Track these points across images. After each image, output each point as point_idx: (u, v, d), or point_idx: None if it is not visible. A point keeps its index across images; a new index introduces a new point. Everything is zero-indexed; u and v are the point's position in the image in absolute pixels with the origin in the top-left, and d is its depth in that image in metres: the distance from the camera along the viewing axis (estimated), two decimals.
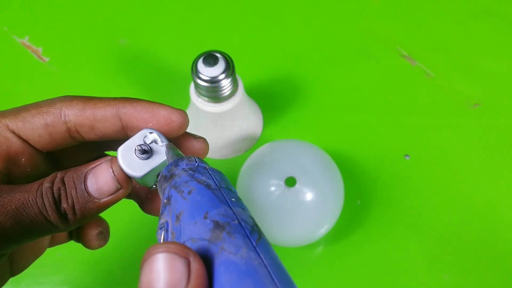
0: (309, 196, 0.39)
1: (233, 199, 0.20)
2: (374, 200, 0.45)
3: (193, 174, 0.21)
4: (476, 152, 0.47)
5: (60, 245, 0.31)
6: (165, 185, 0.21)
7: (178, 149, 0.24)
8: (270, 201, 0.39)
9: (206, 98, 0.42)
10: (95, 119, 0.25)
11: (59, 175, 0.24)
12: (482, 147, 0.47)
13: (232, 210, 0.19)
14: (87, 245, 0.28)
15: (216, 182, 0.20)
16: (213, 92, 0.40)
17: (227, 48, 0.44)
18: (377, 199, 0.45)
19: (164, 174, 0.22)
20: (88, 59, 0.53)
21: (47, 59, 0.53)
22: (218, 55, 0.39)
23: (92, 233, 0.28)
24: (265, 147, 0.42)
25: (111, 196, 0.24)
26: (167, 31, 0.55)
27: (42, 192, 0.23)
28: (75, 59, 0.53)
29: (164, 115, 0.26)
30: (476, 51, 0.52)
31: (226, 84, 0.40)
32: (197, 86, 0.41)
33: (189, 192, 0.20)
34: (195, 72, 0.39)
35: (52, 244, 0.30)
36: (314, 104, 0.50)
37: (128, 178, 0.24)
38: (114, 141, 0.27)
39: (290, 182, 0.39)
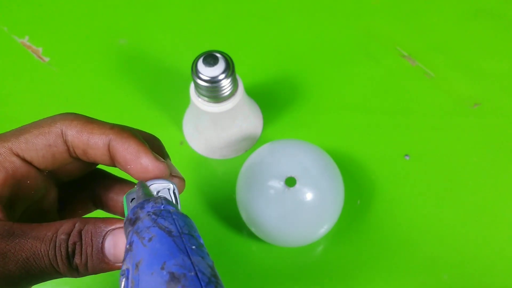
0: (309, 196, 0.39)
1: (193, 247, 0.19)
2: (374, 200, 0.45)
3: (156, 219, 0.20)
4: (476, 152, 0.47)
5: None
6: (129, 229, 0.21)
7: (148, 188, 0.24)
8: (270, 201, 0.39)
9: (206, 98, 0.42)
10: (88, 145, 0.25)
11: (77, 226, 0.23)
12: (482, 147, 0.47)
13: (191, 259, 0.19)
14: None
15: (178, 228, 0.20)
16: (213, 92, 0.40)
17: (227, 48, 0.44)
18: (377, 199, 0.45)
19: (129, 216, 0.21)
20: (88, 59, 0.53)
21: (47, 59, 0.53)
22: (218, 55, 0.39)
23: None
24: (265, 147, 0.42)
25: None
26: (167, 31, 0.55)
27: (55, 244, 0.23)
28: (75, 59, 0.53)
29: (142, 163, 0.25)
30: (476, 51, 0.52)
31: (226, 84, 0.40)
32: (197, 86, 0.41)
33: (150, 239, 0.20)
34: (195, 72, 0.39)
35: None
36: (314, 104, 0.50)
37: None
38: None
39: (290, 182, 0.39)
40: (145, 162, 0.25)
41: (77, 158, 0.26)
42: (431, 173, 0.46)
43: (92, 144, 0.25)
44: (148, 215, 0.21)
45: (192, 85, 0.43)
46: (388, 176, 0.46)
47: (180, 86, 0.49)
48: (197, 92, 0.42)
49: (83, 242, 0.23)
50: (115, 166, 0.26)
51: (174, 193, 0.24)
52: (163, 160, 0.26)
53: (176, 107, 0.49)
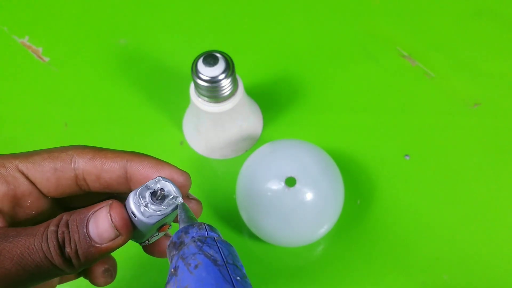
0: (309, 196, 0.39)
1: (238, 278, 0.20)
2: (374, 200, 0.45)
3: (202, 247, 0.21)
4: (476, 152, 0.47)
5: None
6: (174, 252, 0.21)
7: (190, 211, 0.24)
8: (270, 201, 0.39)
9: (206, 98, 0.42)
10: (103, 169, 0.26)
11: (64, 217, 0.24)
12: (482, 147, 0.47)
13: None
14: (93, 282, 0.28)
15: (224, 257, 0.20)
16: (213, 92, 0.40)
17: (227, 48, 0.44)
18: (377, 199, 0.45)
19: (173, 240, 0.22)
20: (88, 59, 0.53)
21: (47, 59, 0.53)
22: (218, 55, 0.39)
23: (99, 270, 0.28)
24: (265, 147, 0.42)
25: (111, 242, 0.24)
26: (167, 31, 0.55)
27: (47, 236, 0.23)
28: (75, 59, 0.53)
29: (166, 175, 0.26)
30: (476, 51, 0.52)
31: (226, 84, 0.40)
32: (197, 86, 0.41)
33: (196, 266, 0.20)
34: (195, 72, 0.39)
35: (61, 281, 0.30)
36: (314, 104, 0.50)
37: (128, 224, 0.24)
38: (118, 193, 0.28)
39: (290, 182, 0.39)
40: (167, 173, 0.26)
41: (84, 189, 0.26)
42: (431, 173, 0.46)
43: (107, 167, 0.26)
44: (194, 241, 0.21)
45: (192, 85, 0.43)
46: (388, 176, 0.46)
47: (180, 86, 0.49)
48: (197, 92, 0.42)
49: (70, 230, 0.23)
50: (126, 191, 0.26)
51: (179, 207, 0.24)
52: (185, 171, 0.26)
53: (176, 107, 0.49)
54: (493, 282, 0.42)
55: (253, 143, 0.48)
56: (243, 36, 0.54)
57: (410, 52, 0.52)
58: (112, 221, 0.23)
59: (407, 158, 0.47)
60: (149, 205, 0.23)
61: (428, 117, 0.49)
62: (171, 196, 0.24)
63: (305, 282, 0.43)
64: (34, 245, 0.23)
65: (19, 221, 0.26)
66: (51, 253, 0.23)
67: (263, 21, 0.55)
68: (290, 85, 0.51)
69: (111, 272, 0.28)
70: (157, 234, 0.26)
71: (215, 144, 0.46)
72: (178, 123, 0.49)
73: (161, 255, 0.28)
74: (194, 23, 0.55)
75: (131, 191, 0.25)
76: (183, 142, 0.48)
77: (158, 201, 0.24)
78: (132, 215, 0.24)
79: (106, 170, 0.26)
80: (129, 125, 0.49)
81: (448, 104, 0.49)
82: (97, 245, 0.23)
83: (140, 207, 0.23)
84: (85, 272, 0.28)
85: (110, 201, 0.24)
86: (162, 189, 0.23)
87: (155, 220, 0.23)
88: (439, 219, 0.44)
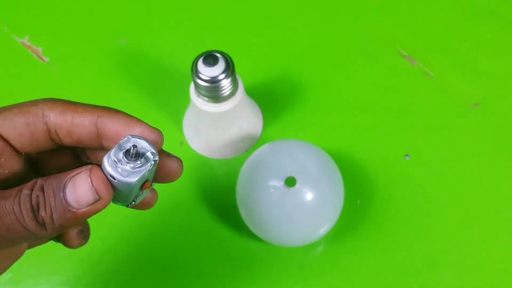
0: (309, 196, 0.39)
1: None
2: (374, 200, 0.45)
3: None
4: (476, 152, 0.47)
5: (60, 245, 0.31)
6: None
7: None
8: (270, 201, 0.39)
9: (206, 98, 0.42)
10: (73, 124, 0.25)
11: (39, 182, 0.23)
12: (482, 147, 0.47)
13: None
14: (67, 244, 0.28)
15: None
16: (213, 92, 0.40)
17: (227, 48, 0.44)
18: (377, 199, 0.45)
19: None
20: (88, 59, 0.53)
21: (47, 59, 0.53)
22: (218, 55, 0.39)
23: (72, 232, 0.27)
24: (265, 147, 0.42)
25: (89, 207, 0.23)
26: (167, 31, 0.55)
27: (20, 199, 0.23)
28: (75, 59, 0.53)
29: (138, 132, 0.25)
30: (476, 51, 0.52)
31: (226, 84, 0.40)
32: (197, 86, 0.41)
33: None
34: (195, 72, 0.39)
35: (31, 246, 0.29)
36: (314, 104, 0.50)
37: (109, 188, 0.23)
38: (90, 149, 0.28)
39: (290, 182, 0.39)
40: (139, 130, 0.25)
41: (58, 143, 0.26)
42: (431, 173, 0.46)
43: (78, 122, 0.25)
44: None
45: (192, 85, 0.43)
46: (388, 176, 0.46)
47: (180, 86, 0.49)
48: (197, 92, 0.42)
49: (46, 194, 0.23)
50: (102, 147, 0.26)
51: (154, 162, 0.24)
52: (157, 128, 0.26)
53: (176, 107, 0.49)
54: (493, 282, 0.42)
55: (253, 143, 0.48)
56: (243, 36, 0.54)
57: (410, 52, 0.52)
58: (92, 184, 0.23)
59: (407, 158, 0.47)
60: (124, 163, 0.23)
61: (428, 117, 0.49)
62: (147, 152, 0.23)
63: (305, 282, 0.43)
64: (6, 207, 0.22)
65: None
66: (23, 216, 0.22)
67: (263, 21, 0.55)
68: (290, 85, 0.51)
69: (85, 233, 0.28)
70: (141, 193, 0.25)
71: (215, 144, 0.46)
72: (178, 123, 0.49)
73: (145, 206, 0.28)
74: (194, 23, 0.55)
75: (103, 147, 0.25)
76: (183, 142, 0.48)
77: (133, 159, 0.23)
78: (111, 178, 0.23)
79: (77, 125, 0.25)
80: None
81: (448, 104, 0.49)
82: (74, 210, 0.23)
83: (117, 168, 0.23)
84: (58, 236, 0.28)
85: (89, 166, 0.23)
86: (134, 146, 0.23)
87: (135, 178, 0.23)
88: (439, 219, 0.44)
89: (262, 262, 0.44)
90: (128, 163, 0.23)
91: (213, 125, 0.44)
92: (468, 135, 0.48)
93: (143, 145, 0.23)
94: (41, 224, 0.23)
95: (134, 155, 0.23)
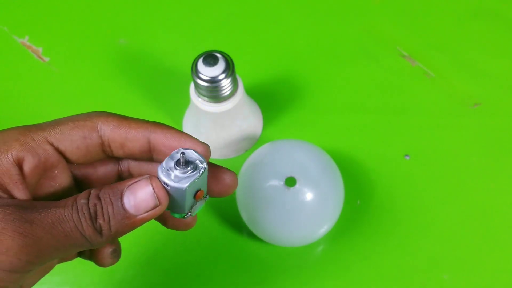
0: (309, 196, 0.39)
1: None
2: (374, 200, 0.45)
3: None
4: (476, 152, 0.47)
5: None
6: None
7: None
8: (270, 201, 0.39)
9: (206, 98, 0.42)
10: (127, 138, 0.26)
11: (93, 191, 0.24)
12: (482, 147, 0.47)
13: None
14: (100, 263, 0.29)
15: None
16: (213, 92, 0.40)
17: (227, 48, 0.44)
18: (377, 199, 0.45)
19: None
20: (88, 59, 0.53)
21: (47, 59, 0.53)
22: (218, 55, 0.39)
23: (107, 251, 0.28)
24: (265, 147, 0.42)
25: (148, 213, 0.24)
26: (167, 31, 0.55)
27: (77, 207, 0.24)
28: (75, 59, 0.53)
29: (188, 146, 0.27)
30: (476, 51, 0.52)
31: (226, 84, 0.40)
32: (197, 86, 0.41)
33: None
34: (195, 72, 0.39)
35: (60, 261, 0.30)
36: (314, 104, 0.50)
37: (166, 195, 0.25)
38: (136, 162, 0.29)
39: (290, 182, 0.39)
40: (189, 144, 0.27)
41: (109, 155, 0.27)
42: (431, 173, 0.46)
43: (131, 137, 0.26)
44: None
45: (192, 85, 0.43)
46: (388, 176, 0.46)
47: (180, 86, 0.49)
48: (197, 92, 0.42)
49: (103, 202, 0.24)
50: (150, 160, 0.28)
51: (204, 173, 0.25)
52: (205, 143, 0.27)
53: (176, 107, 0.49)
54: (493, 282, 0.42)
55: (253, 143, 0.48)
56: (243, 36, 0.54)
57: (410, 52, 0.52)
58: (154, 190, 0.24)
59: (407, 158, 0.47)
60: (175, 171, 0.25)
61: (428, 117, 0.49)
62: (196, 160, 0.25)
63: (305, 282, 0.43)
64: (65, 215, 0.23)
65: (40, 196, 0.26)
66: (81, 223, 0.24)
67: (263, 21, 0.55)
68: (290, 85, 0.51)
69: (117, 252, 0.29)
70: (196, 203, 0.27)
71: (215, 144, 0.46)
72: (178, 123, 0.49)
73: (186, 226, 0.29)
74: (194, 23, 0.55)
75: (153, 159, 0.27)
76: None
77: (183, 167, 0.25)
78: (165, 185, 0.25)
79: (130, 140, 0.26)
80: None
81: (448, 104, 0.49)
82: (132, 216, 0.24)
83: (169, 175, 0.25)
84: (91, 254, 0.29)
85: (147, 175, 0.25)
86: (183, 153, 0.25)
87: (186, 183, 0.24)
88: (439, 219, 0.44)
89: (262, 262, 0.44)
90: (179, 170, 0.25)
91: (213, 125, 0.44)
92: (468, 135, 0.48)
93: (192, 155, 0.25)
94: (98, 231, 0.24)
95: (184, 163, 0.25)
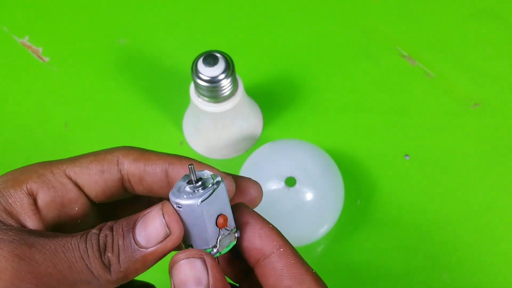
0: (309, 196, 0.39)
1: None
2: (374, 200, 0.45)
3: None
4: (476, 152, 0.47)
5: None
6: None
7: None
8: (270, 201, 0.39)
9: (206, 98, 0.42)
10: (145, 171, 0.25)
11: (109, 223, 0.23)
12: (482, 147, 0.47)
13: None
14: None
15: None
16: (213, 92, 0.40)
17: (227, 48, 0.44)
18: (377, 199, 0.45)
19: None
20: (88, 59, 0.53)
21: (47, 59, 0.53)
22: (218, 55, 0.39)
23: None
24: (265, 147, 0.42)
25: (159, 245, 0.22)
26: (167, 31, 0.55)
27: (86, 237, 0.22)
28: (75, 59, 0.53)
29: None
30: (476, 51, 0.52)
31: (226, 84, 0.40)
32: (197, 86, 0.41)
33: None
34: (195, 72, 0.39)
35: None
36: (314, 104, 0.50)
37: (179, 222, 0.22)
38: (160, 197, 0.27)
39: (290, 182, 0.39)
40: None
41: (130, 192, 0.25)
42: (431, 173, 0.46)
43: (149, 170, 0.25)
44: None
45: (192, 85, 0.43)
46: (388, 176, 0.46)
47: (180, 86, 0.49)
48: (197, 92, 0.42)
49: (114, 233, 0.22)
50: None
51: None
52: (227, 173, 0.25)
53: (176, 107, 0.49)
54: (493, 282, 0.42)
55: (253, 143, 0.48)
56: (243, 36, 0.54)
57: (410, 52, 0.52)
58: (163, 217, 0.22)
59: (407, 158, 0.47)
60: (187, 187, 0.22)
61: (428, 117, 0.49)
62: (210, 175, 0.23)
63: None
64: (71, 243, 0.21)
65: (62, 228, 0.25)
66: (88, 254, 0.21)
67: (263, 21, 0.55)
68: (290, 85, 0.51)
69: None
70: (220, 233, 0.23)
71: (215, 144, 0.46)
72: (178, 123, 0.49)
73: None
74: (194, 23, 0.55)
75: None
76: (183, 142, 0.48)
77: (195, 184, 0.22)
78: (178, 207, 0.22)
79: (148, 173, 0.25)
80: (129, 125, 0.49)
81: (448, 104, 0.49)
82: (142, 249, 0.22)
83: (180, 194, 0.22)
84: None
85: (161, 202, 0.23)
86: (191, 164, 0.22)
87: (199, 199, 0.22)
88: (439, 219, 0.44)
89: None
90: (190, 186, 0.22)
91: (213, 125, 0.44)
92: (468, 135, 0.48)
93: (206, 174, 0.23)
94: (106, 266, 0.21)
95: (196, 180, 0.22)
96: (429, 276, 0.42)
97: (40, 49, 0.54)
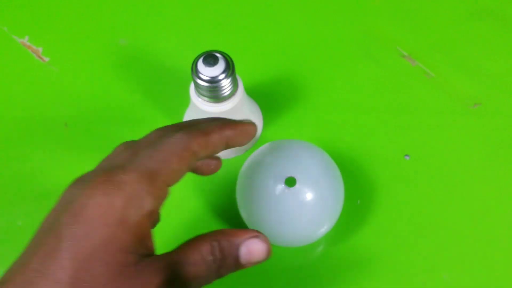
0: (309, 196, 0.39)
1: None
2: (374, 200, 0.45)
3: None
4: (476, 152, 0.47)
5: None
6: None
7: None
8: (270, 201, 0.39)
9: (206, 98, 0.42)
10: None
11: (216, 246, 0.27)
12: (482, 147, 0.47)
13: None
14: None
15: None
16: (213, 92, 0.40)
17: (227, 48, 0.44)
18: (377, 199, 0.45)
19: None
20: (88, 59, 0.53)
21: (47, 59, 0.53)
22: (218, 55, 0.39)
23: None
24: (265, 147, 0.42)
25: (252, 263, 0.28)
26: (167, 31, 0.55)
27: (206, 266, 0.27)
28: (75, 59, 0.53)
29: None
30: (476, 51, 0.52)
31: (226, 84, 0.40)
32: (197, 86, 0.41)
33: None
34: (195, 72, 0.39)
35: None
36: (314, 104, 0.50)
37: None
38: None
39: (290, 182, 0.39)
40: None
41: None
42: (431, 173, 0.46)
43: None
44: None
45: (192, 85, 0.43)
46: (388, 176, 0.46)
47: (180, 86, 0.49)
48: (197, 92, 0.42)
49: (226, 256, 0.27)
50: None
51: None
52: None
53: (176, 107, 0.49)
54: (493, 282, 0.42)
55: (253, 143, 0.48)
56: (243, 36, 0.54)
57: (410, 52, 0.52)
58: (267, 249, 0.28)
59: (407, 158, 0.47)
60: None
61: (428, 117, 0.49)
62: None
63: (305, 282, 0.43)
64: (198, 272, 0.26)
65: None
66: (210, 278, 0.27)
67: (263, 21, 0.55)
68: (290, 85, 0.51)
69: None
70: None
71: None
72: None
73: (211, 171, 0.34)
74: (194, 23, 0.55)
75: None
76: None
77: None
78: None
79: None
80: (129, 125, 0.49)
81: (448, 104, 0.49)
82: (242, 265, 0.28)
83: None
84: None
85: (257, 233, 0.28)
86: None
87: None
88: (439, 219, 0.44)
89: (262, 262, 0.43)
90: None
91: None
92: (468, 135, 0.48)
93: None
94: (219, 277, 0.28)
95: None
96: (429, 276, 0.42)
97: (40, 49, 0.54)
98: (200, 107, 0.42)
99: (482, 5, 0.54)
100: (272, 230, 0.40)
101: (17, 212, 0.45)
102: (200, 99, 0.42)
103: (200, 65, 0.39)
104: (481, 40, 0.53)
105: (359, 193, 0.46)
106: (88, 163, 0.30)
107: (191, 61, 0.40)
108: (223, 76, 0.39)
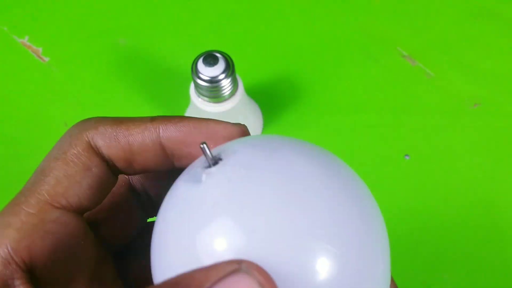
0: None
1: None
2: None
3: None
4: (476, 152, 0.47)
5: None
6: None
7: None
8: None
9: (206, 98, 0.42)
10: (131, 151, 0.19)
11: None
12: (482, 147, 0.47)
13: None
14: None
15: None
16: (213, 92, 0.40)
17: (227, 48, 0.44)
18: (377, 199, 0.45)
19: None
20: (88, 59, 0.53)
21: (47, 59, 0.53)
22: (218, 55, 0.39)
23: None
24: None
25: None
26: (167, 31, 0.55)
27: None
28: (75, 59, 0.53)
29: (223, 135, 0.19)
30: (476, 51, 0.52)
31: (226, 84, 0.40)
32: (197, 86, 0.41)
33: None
34: (195, 72, 0.39)
35: None
36: (314, 104, 0.50)
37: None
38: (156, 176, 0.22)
39: None
40: (225, 132, 0.20)
41: (117, 174, 0.21)
42: (431, 173, 0.46)
43: (137, 148, 0.19)
44: None
45: (192, 85, 0.43)
46: (388, 176, 0.46)
47: (180, 86, 0.49)
48: (197, 92, 0.42)
49: None
50: (172, 167, 0.20)
51: None
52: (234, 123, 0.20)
53: (176, 107, 0.49)
54: (493, 282, 0.42)
55: None
56: (243, 36, 0.54)
57: (410, 52, 0.52)
58: (262, 283, 0.15)
59: (407, 158, 0.47)
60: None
61: (428, 117, 0.49)
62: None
63: None
64: None
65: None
66: None
67: (263, 21, 0.55)
68: (291, 85, 0.51)
69: None
70: None
71: None
72: None
73: None
74: (194, 23, 0.55)
75: (172, 168, 0.20)
76: None
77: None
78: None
79: (137, 152, 0.20)
80: None
81: (448, 104, 0.49)
82: None
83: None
84: None
85: (241, 264, 0.15)
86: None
87: None
88: (439, 219, 0.44)
89: None
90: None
91: None
92: (468, 135, 0.48)
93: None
94: None
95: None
96: (429, 276, 0.42)
97: (40, 49, 0.54)
98: (200, 107, 0.42)
99: (482, 5, 0.54)
100: None
101: None
102: (200, 99, 0.42)
103: (200, 65, 0.39)
104: (481, 40, 0.53)
105: None
106: None
107: (191, 61, 0.40)
108: (223, 76, 0.39)
